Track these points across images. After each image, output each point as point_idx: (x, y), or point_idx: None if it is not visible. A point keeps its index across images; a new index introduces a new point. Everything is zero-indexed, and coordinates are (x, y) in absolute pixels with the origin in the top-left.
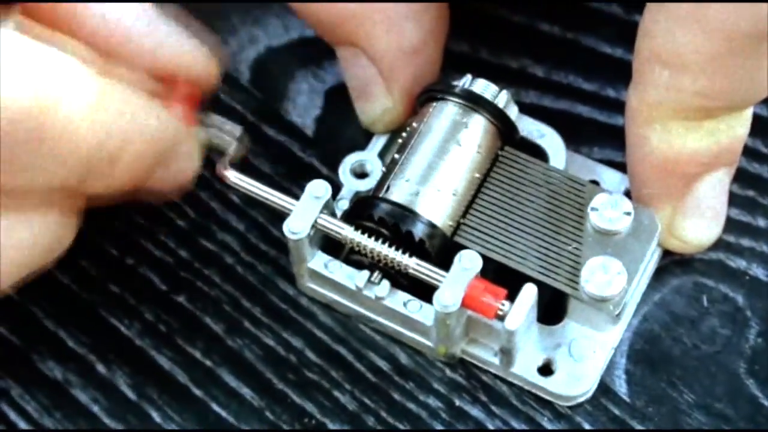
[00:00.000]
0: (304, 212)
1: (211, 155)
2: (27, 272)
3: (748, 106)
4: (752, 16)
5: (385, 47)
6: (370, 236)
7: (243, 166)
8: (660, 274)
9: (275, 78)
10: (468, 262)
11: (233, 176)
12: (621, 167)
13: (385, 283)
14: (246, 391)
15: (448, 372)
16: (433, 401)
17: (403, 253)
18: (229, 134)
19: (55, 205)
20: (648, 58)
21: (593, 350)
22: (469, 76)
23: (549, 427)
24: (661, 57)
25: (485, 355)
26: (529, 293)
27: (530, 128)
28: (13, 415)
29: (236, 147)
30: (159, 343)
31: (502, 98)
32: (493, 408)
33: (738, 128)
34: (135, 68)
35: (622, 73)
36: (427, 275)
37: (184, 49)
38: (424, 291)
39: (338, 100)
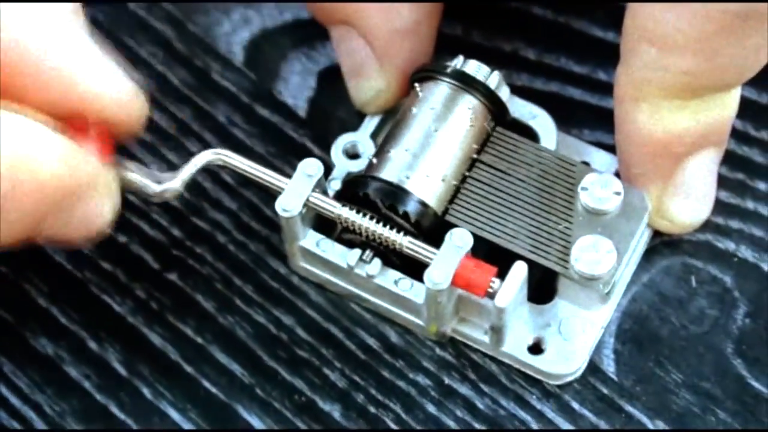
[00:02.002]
0: (297, 190)
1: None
2: None
3: (735, 85)
4: None
5: (378, 27)
6: (361, 214)
7: (236, 146)
8: (649, 255)
9: (269, 59)
10: (459, 240)
11: (225, 155)
12: (611, 149)
13: (377, 262)
14: (237, 368)
15: (437, 350)
16: (422, 379)
17: (394, 231)
18: (147, 181)
19: None
20: (636, 37)
21: (583, 329)
22: (461, 57)
23: (538, 405)
24: (649, 36)
25: (476, 333)
26: (519, 271)
27: (522, 109)
28: (5, 390)
29: (158, 195)
30: (151, 320)
31: (493, 79)
32: (482, 386)
33: (725, 108)
34: (37, 104)
35: (613, 56)
36: (418, 253)
37: (106, 87)
38: (415, 270)
39: (331, 81)
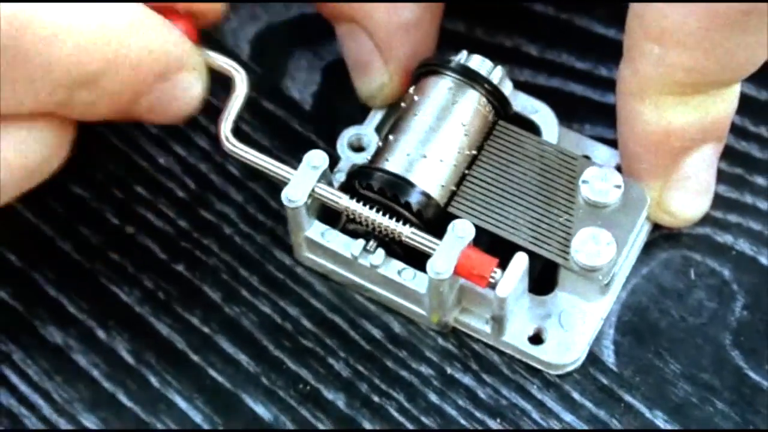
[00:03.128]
0: (302, 181)
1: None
2: (21, 187)
3: (736, 81)
4: None
5: (382, 22)
6: (366, 205)
7: (243, 139)
8: (649, 248)
9: (275, 54)
10: (461, 231)
11: (232, 143)
12: (612, 143)
13: (380, 252)
14: (242, 358)
15: (440, 341)
16: (425, 369)
17: (398, 222)
18: (236, 65)
19: (44, 120)
20: (638, 34)
21: (583, 320)
22: (464, 52)
23: (538, 395)
24: (651, 33)
25: (477, 324)
26: (520, 261)
27: (524, 104)
28: (14, 378)
29: (241, 83)
30: (158, 310)
31: (496, 74)
32: (484, 376)
33: (726, 104)
34: None
35: (614, 53)
36: (421, 243)
37: None
38: (418, 260)
39: (336, 75)
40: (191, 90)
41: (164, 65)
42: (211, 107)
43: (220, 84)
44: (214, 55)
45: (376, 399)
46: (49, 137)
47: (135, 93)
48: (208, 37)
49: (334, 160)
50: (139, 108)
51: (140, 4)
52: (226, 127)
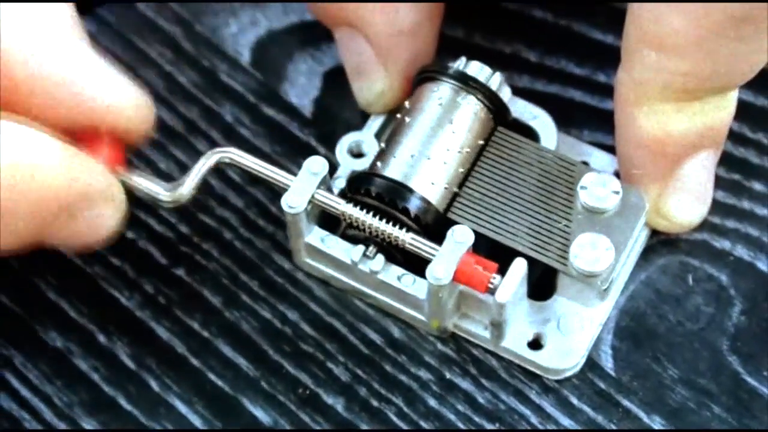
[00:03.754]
0: (302, 187)
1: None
2: None
3: (733, 87)
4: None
5: (381, 28)
6: (365, 211)
7: (242, 145)
8: (647, 253)
9: (275, 60)
10: (460, 237)
11: (232, 151)
12: (611, 149)
13: (380, 258)
14: (242, 362)
15: (439, 345)
16: (424, 374)
17: (397, 227)
18: (157, 188)
19: None
20: (636, 40)
21: (581, 326)
22: (463, 59)
23: (537, 399)
24: (649, 39)
25: (476, 329)
26: (519, 267)
27: (522, 110)
28: (15, 383)
29: (170, 202)
30: (158, 314)
31: (495, 80)
32: (483, 381)
33: (724, 110)
34: (46, 119)
35: (613, 59)
36: (420, 249)
37: (113, 98)
38: (417, 266)
39: (336, 81)
40: (106, 220)
41: (76, 200)
42: (211, 111)
43: (222, 91)
44: (138, 178)
45: (375, 403)
46: None
47: (44, 227)
48: (207, 42)
49: (334, 165)
50: (50, 239)
51: (43, 135)
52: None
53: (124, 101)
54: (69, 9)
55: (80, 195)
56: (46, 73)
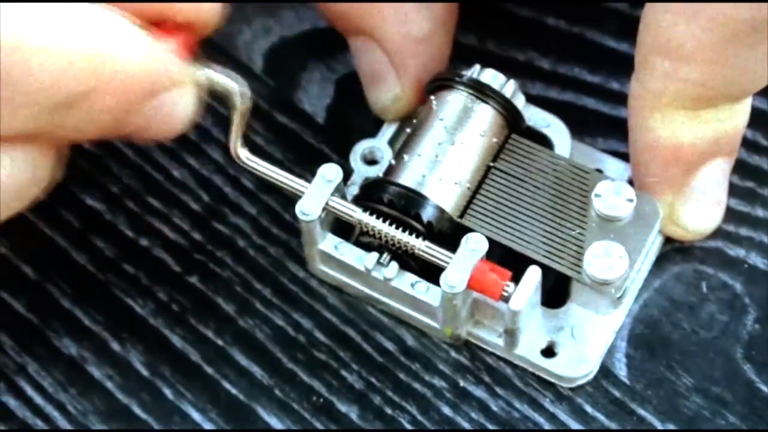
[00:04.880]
0: (316, 195)
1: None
2: (10, 208)
3: (746, 95)
4: (751, 8)
5: (395, 36)
6: (379, 218)
7: (256, 152)
8: (661, 261)
9: (288, 67)
10: (474, 244)
11: (245, 157)
12: (624, 157)
13: (394, 265)
14: (256, 370)
15: (452, 353)
16: (437, 382)
17: (411, 235)
18: (231, 81)
19: (31, 141)
20: (649, 48)
21: (595, 333)
22: (477, 66)
23: (551, 408)
24: (662, 47)
25: (490, 336)
26: (533, 275)
27: (536, 117)
28: (29, 390)
29: (241, 100)
30: (172, 322)
31: (509, 88)
32: (497, 389)
33: (737, 118)
34: (122, 6)
35: (626, 66)
36: (434, 256)
37: None
38: (431, 274)
39: (349, 89)
40: (182, 107)
41: (152, 83)
42: (225, 119)
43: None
44: (211, 70)
45: (389, 411)
46: (39, 158)
47: (123, 113)
48: (219, 50)
49: (347, 173)
50: (129, 126)
51: (125, 21)
52: (237, 143)
53: None
54: None
55: (159, 79)
56: None
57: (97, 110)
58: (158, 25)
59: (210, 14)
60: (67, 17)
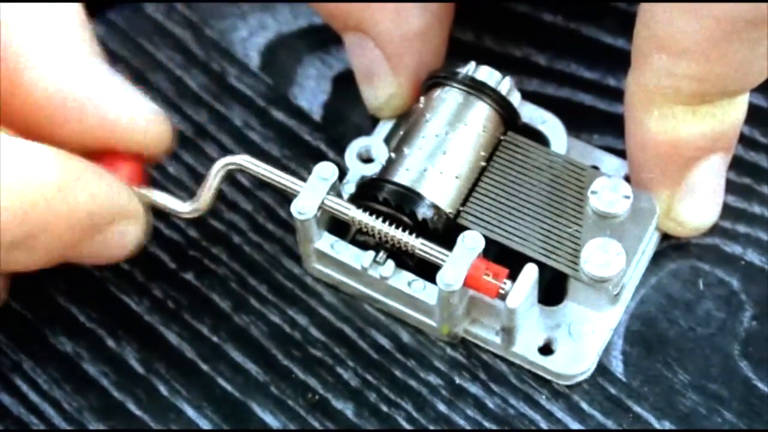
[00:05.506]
0: (312, 193)
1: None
2: None
3: (744, 91)
4: (749, 4)
5: (390, 33)
6: (375, 217)
7: (252, 149)
8: (657, 258)
9: (284, 64)
10: (471, 242)
11: (242, 159)
12: (621, 154)
13: (390, 263)
14: (251, 367)
15: (448, 351)
16: (433, 379)
17: (407, 233)
18: (179, 203)
19: None
20: (646, 44)
21: (592, 331)
22: (473, 63)
23: (547, 405)
24: (659, 43)
25: (487, 334)
26: (530, 272)
27: (532, 114)
28: (24, 387)
29: (188, 213)
30: (167, 319)
31: (504, 85)
32: (493, 386)
33: (734, 113)
34: (68, 139)
35: (623, 63)
36: (431, 255)
37: (132, 117)
38: (428, 272)
39: (345, 86)
40: (131, 236)
41: (102, 219)
42: (220, 115)
43: (231, 95)
44: (159, 195)
45: (384, 408)
46: None
47: (72, 247)
48: (217, 46)
49: (343, 170)
50: (77, 256)
51: (67, 156)
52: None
53: (142, 119)
54: (81, 20)
55: (108, 212)
56: (69, 95)
57: (46, 247)
58: (104, 155)
59: (158, 141)
60: (11, 160)
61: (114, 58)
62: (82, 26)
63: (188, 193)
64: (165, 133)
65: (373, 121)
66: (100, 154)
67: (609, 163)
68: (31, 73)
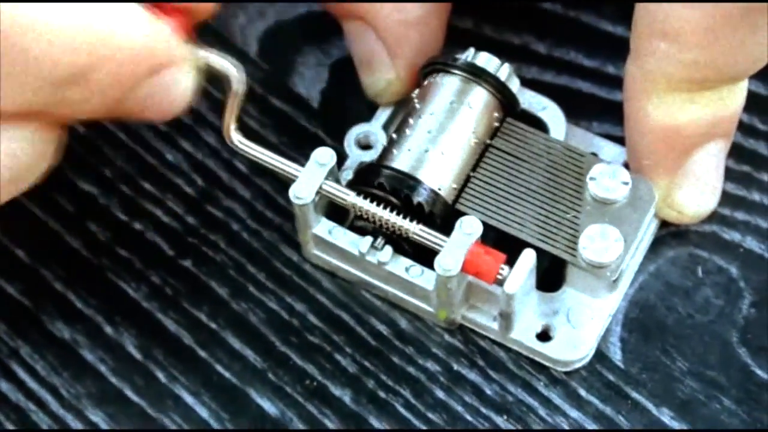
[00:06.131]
0: (310, 178)
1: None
2: (9, 190)
3: (742, 78)
4: None
5: (389, 20)
6: (373, 202)
7: (250, 136)
8: (656, 245)
9: (283, 51)
10: (469, 227)
11: (238, 140)
12: (619, 141)
13: (388, 249)
14: (249, 353)
15: (446, 337)
16: (431, 365)
17: (406, 218)
18: (229, 64)
19: (33, 119)
20: (645, 30)
21: (590, 317)
22: (472, 50)
23: (545, 391)
24: (658, 29)
25: (485, 320)
26: (528, 258)
27: (531, 101)
28: (22, 374)
29: (237, 83)
30: (165, 306)
31: (503, 71)
32: (490, 372)
33: (733, 100)
34: None
35: (622, 50)
36: (429, 240)
37: None
38: (425, 257)
39: (344, 73)
40: (181, 86)
41: (153, 60)
42: (219, 104)
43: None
44: (208, 52)
45: (382, 395)
46: (39, 137)
47: (123, 90)
48: (215, 33)
49: (342, 157)
50: (128, 105)
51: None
52: (230, 126)
53: None
54: None
55: (159, 57)
56: None
57: (98, 87)
58: (157, 6)
59: (203, 3)
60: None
61: None
62: None
63: (186, 180)
64: None
65: (372, 108)
66: (154, 4)
67: (608, 150)
68: None
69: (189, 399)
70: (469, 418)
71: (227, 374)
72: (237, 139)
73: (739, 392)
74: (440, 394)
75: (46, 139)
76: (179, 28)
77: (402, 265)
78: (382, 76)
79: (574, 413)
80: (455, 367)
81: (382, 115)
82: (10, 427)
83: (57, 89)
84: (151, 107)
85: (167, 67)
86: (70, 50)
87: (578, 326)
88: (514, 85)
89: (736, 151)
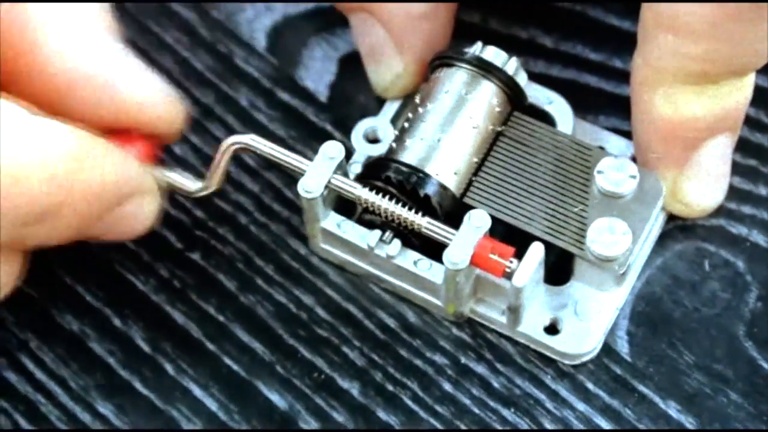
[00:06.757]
0: (318, 172)
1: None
2: None
3: (750, 71)
4: None
5: (396, 13)
6: (381, 196)
7: (258, 130)
8: (663, 239)
9: (290, 45)
10: (477, 221)
11: (249, 138)
12: (626, 134)
13: (396, 242)
14: (257, 346)
15: (454, 330)
16: (439, 358)
17: (414, 212)
18: (190, 182)
19: None
20: (652, 24)
21: (598, 310)
22: (479, 44)
23: (552, 384)
24: (665, 23)
25: (493, 314)
26: (536, 251)
27: (539, 95)
28: (31, 366)
29: (199, 190)
30: (174, 298)
31: (511, 65)
32: (498, 366)
33: (740, 93)
34: (83, 117)
35: (629, 44)
36: (437, 233)
37: (146, 97)
38: (434, 251)
39: (351, 67)
40: (145, 211)
41: (120, 193)
42: (227, 96)
43: (238, 76)
44: (170, 173)
45: (390, 388)
46: (2, 266)
47: (89, 222)
48: (223, 28)
49: (350, 151)
50: (93, 231)
51: (84, 132)
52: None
53: (156, 99)
54: (101, 6)
55: (125, 186)
56: (85, 72)
57: (65, 222)
58: (118, 134)
59: (170, 122)
60: (32, 136)
61: (122, 40)
62: (100, 5)
63: (195, 173)
64: (177, 114)
65: (379, 102)
66: (114, 132)
67: (615, 143)
68: (49, 48)
69: (197, 391)
70: (476, 410)
71: (235, 367)
72: (247, 138)
73: (745, 385)
74: (448, 387)
75: (11, 266)
76: (145, 155)
77: (410, 259)
78: (389, 69)
79: (581, 406)
80: (463, 360)
81: (390, 108)
82: (19, 418)
83: (24, 227)
84: (116, 231)
85: (131, 198)
86: (38, 193)
87: (586, 320)
88: (522, 79)
89: (742, 145)
